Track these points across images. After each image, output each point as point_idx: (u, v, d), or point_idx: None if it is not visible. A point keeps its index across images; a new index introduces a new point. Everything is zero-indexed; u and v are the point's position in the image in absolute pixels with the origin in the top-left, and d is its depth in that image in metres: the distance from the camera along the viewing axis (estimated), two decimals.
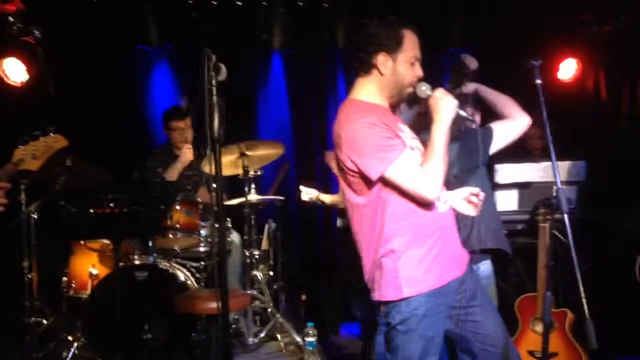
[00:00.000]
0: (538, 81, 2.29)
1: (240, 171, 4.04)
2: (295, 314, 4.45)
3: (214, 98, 2.19)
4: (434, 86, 2.29)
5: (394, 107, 2.36)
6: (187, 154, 4.16)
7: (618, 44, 4.82)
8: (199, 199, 3.99)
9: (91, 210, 2.99)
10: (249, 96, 5.42)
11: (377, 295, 2.21)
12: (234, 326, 4.00)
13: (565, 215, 2.23)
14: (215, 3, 4.80)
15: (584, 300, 2.19)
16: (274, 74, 5.44)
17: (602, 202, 3.85)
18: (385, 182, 2.16)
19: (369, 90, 2.28)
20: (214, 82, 2.19)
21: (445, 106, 2.21)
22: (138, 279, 3.46)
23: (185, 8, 4.83)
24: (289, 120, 5.51)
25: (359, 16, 5.07)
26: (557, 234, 3.27)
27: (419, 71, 2.27)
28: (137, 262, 3.64)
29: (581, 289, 2.17)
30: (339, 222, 4.22)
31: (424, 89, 2.25)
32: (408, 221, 2.17)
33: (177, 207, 3.79)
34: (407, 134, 2.28)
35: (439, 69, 5.53)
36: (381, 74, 2.24)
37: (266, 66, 5.44)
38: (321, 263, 4.54)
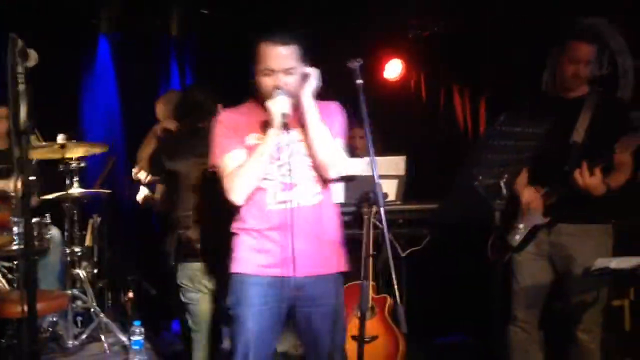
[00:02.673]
0: (359, 81, 2.40)
1: (57, 155, 3.79)
2: (122, 313, 4.29)
3: (21, 86, 2.03)
4: None
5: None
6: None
7: (436, 47, 5.21)
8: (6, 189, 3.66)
9: None
10: (72, 83, 5.03)
11: None
12: (51, 329, 3.75)
13: (382, 209, 2.36)
14: None
15: (396, 287, 2.35)
16: (101, 59, 5.12)
17: (421, 195, 4.14)
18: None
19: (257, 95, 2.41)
20: (20, 68, 2.02)
21: (272, 117, 2.27)
22: None
23: None
24: (118, 109, 5.22)
25: (194, 5, 5.02)
26: (378, 224, 3.47)
27: (275, 81, 2.29)
28: None
29: (394, 276, 2.31)
30: None
31: (273, 94, 2.28)
32: (243, 210, 2.36)
33: None
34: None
35: None
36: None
37: (92, 51, 5.09)
38: (151, 257, 4.39)
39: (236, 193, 2.30)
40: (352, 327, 3.50)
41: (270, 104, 2.26)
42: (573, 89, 2.95)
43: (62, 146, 3.75)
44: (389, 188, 3.96)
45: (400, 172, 3.99)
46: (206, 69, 5.35)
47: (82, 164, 4.05)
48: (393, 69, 5.44)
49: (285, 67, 2.28)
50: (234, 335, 2.35)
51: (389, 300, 3.71)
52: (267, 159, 2.28)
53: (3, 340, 3.25)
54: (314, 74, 2.34)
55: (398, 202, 4.03)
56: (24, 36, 2.05)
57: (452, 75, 5.12)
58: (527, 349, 3.10)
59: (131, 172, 3.97)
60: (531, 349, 3.11)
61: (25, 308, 2.04)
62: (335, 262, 2.46)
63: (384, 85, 5.48)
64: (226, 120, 2.39)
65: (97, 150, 4.07)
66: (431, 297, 4.27)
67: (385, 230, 2.33)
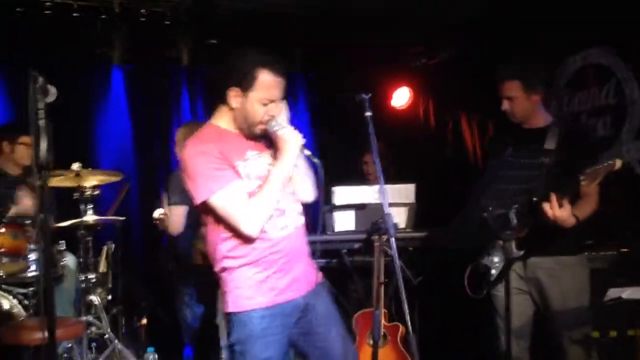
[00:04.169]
0: (368, 114, 2.45)
1: (73, 183, 3.85)
2: (136, 339, 4.31)
3: (41, 122, 2.09)
4: None
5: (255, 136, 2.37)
6: (24, 201, 3.85)
7: (444, 76, 5.27)
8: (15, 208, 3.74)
9: None
10: (86, 113, 5.12)
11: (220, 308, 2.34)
12: (66, 355, 3.77)
13: (392, 239, 2.39)
14: (49, 12, 4.52)
15: (407, 317, 2.36)
16: (114, 90, 5.20)
17: (430, 222, 4.16)
18: (212, 208, 2.25)
19: (224, 118, 2.35)
20: (40, 104, 2.09)
21: (290, 147, 2.28)
22: None
23: (14, 20, 4.49)
24: (131, 138, 5.30)
25: (202, 36, 5.12)
26: (389, 251, 3.49)
27: (273, 111, 2.30)
28: None
29: (405, 306, 2.33)
30: None
31: (272, 124, 2.30)
32: (241, 243, 2.27)
33: (2, 230, 3.55)
34: (256, 162, 2.33)
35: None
36: (231, 107, 2.30)
37: (105, 82, 5.17)
38: (163, 284, 4.43)
39: (255, 225, 2.22)
40: (366, 355, 3.52)
41: (288, 133, 2.28)
42: (524, 122, 2.90)
43: (77, 174, 3.82)
44: (400, 216, 4.00)
45: (411, 199, 4.03)
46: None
47: (97, 192, 4.10)
48: (401, 97, 5.50)
49: (281, 97, 2.32)
50: None
51: (402, 329, 3.71)
52: (282, 185, 2.28)
53: None
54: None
55: (409, 230, 4.06)
56: (42, 71, 2.12)
57: (460, 103, 5.17)
58: None
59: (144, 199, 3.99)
60: None
61: (46, 335, 2.08)
62: (315, 272, 2.50)
63: (393, 113, 5.54)
64: (210, 150, 2.22)
65: (111, 178, 4.14)
66: (444, 324, 4.26)
67: (396, 258, 2.36)
